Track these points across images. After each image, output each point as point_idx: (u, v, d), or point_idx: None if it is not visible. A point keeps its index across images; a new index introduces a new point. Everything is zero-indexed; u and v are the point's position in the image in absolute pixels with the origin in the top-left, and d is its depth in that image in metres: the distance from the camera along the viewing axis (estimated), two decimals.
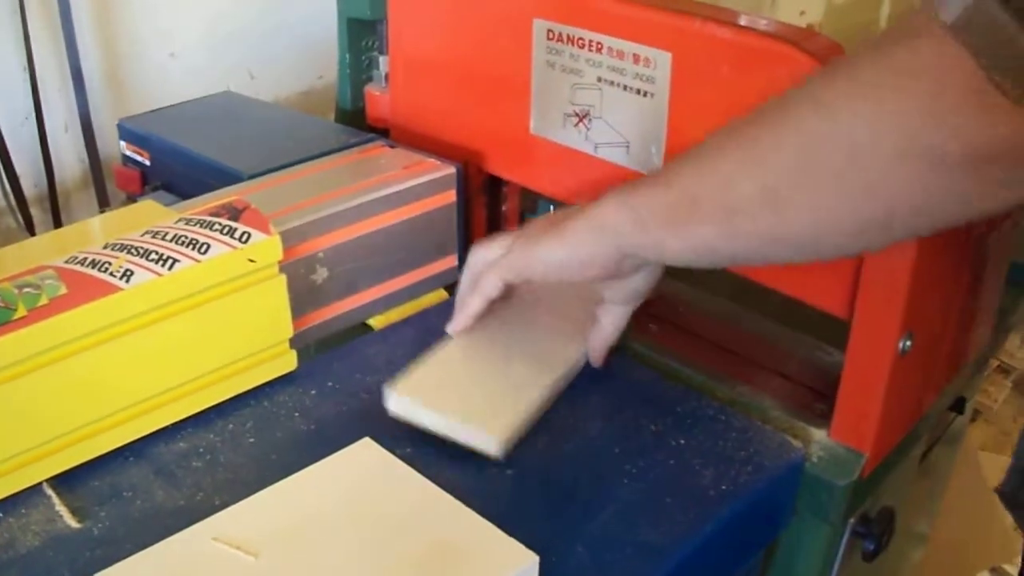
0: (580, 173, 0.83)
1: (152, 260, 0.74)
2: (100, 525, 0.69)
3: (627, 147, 0.77)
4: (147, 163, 1.09)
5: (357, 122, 1.07)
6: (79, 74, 1.36)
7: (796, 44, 0.66)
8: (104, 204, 1.39)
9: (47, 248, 0.83)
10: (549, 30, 0.80)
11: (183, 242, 0.76)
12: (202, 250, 0.75)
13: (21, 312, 0.70)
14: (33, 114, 1.34)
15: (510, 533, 0.62)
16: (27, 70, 1.33)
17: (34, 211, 1.35)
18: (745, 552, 0.76)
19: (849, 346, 0.70)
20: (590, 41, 0.77)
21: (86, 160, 1.38)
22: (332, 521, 0.64)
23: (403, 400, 0.74)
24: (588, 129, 0.80)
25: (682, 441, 0.73)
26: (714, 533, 0.67)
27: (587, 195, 0.81)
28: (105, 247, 0.76)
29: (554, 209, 0.99)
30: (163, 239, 0.76)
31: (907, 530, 0.99)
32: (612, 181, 0.78)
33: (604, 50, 0.76)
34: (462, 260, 0.93)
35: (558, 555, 0.64)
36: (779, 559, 0.79)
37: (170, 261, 0.74)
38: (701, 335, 0.87)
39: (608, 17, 0.76)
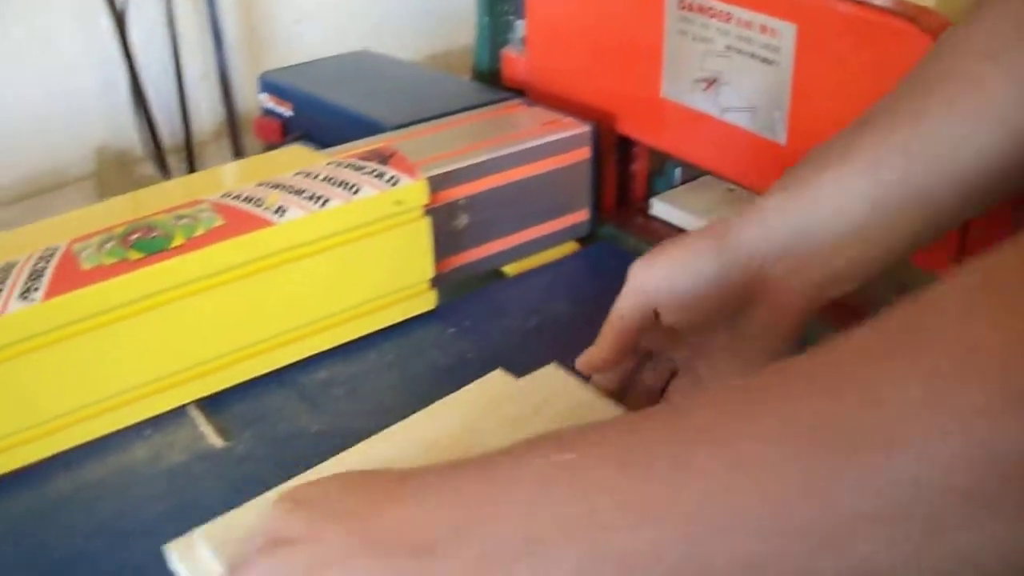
0: (707, 136, 0.95)
1: (305, 198, 0.87)
2: (243, 445, 0.81)
3: (752, 112, 0.90)
4: (289, 114, 1.25)
5: (493, 83, 1.20)
6: (217, 29, 1.53)
7: (911, 20, 0.78)
8: (239, 155, 1.56)
9: (196, 186, 0.99)
10: (681, 0, 0.93)
11: (334, 182, 0.89)
12: (353, 190, 0.88)
13: (179, 240, 0.82)
14: (172, 67, 1.51)
15: None
16: (168, 25, 1.49)
17: (171, 160, 1.51)
18: None
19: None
20: (720, 11, 0.88)
21: (222, 113, 1.54)
22: (484, 439, 0.71)
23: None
24: (716, 94, 0.93)
25: None
26: None
27: (712, 157, 0.95)
28: (259, 185, 0.91)
29: (680, 172, 1.12)
30: (314, 179, 0.90)
31: None
32: (738, 143, 0.91)
33: (733, 20, 0.87)
34: (593, 215, 1.06)
35: None
36: None
37: (322, 199, 0.87)
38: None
39: None
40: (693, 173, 1.10)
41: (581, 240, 1.08)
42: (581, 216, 1.07)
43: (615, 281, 0.98)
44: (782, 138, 0.87)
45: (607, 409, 0.73)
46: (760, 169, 0.91)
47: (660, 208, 1.09)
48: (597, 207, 1.09)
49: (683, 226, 1.06)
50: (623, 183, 1.12)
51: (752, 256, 0.65)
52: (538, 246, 1.04)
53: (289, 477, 0.73)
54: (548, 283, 0.97)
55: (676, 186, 1.12)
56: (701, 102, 0.94)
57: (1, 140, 1.39)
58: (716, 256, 0.66)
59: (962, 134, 0.59)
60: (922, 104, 0.61)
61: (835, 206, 0.63)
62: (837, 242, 0.63)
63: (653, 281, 0.70)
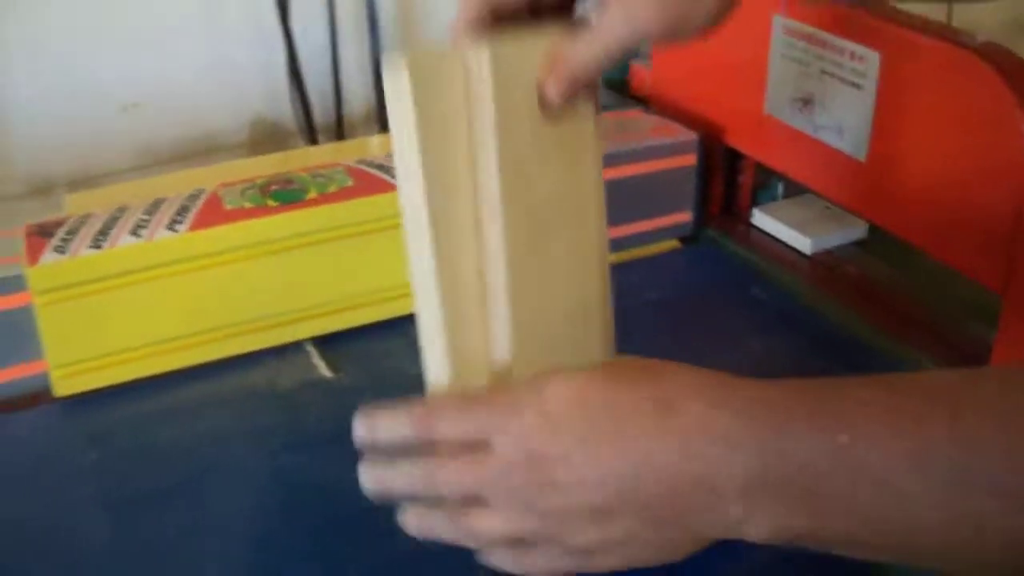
0: (801, 151, 1.09)
1: None
2: (349, 378, 0.98)
3: (840, 131, 1.04)
4: None
5: (622, 92, 1.38)
6: (374, 19, 1.71)
7: (987, 57, 0.91)
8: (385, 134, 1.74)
9: (338, 153, 1.16)
10: (785, 26, 1.07)
11: None
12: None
13: (312, 194, 1.00)
14: (329, 50, 1.70)
15: None
16: (328, 11, 1.68)
17: (321, 138, 1.70)
18: None
19: (1001, 319, 0.94)
20: (817, 38, 1.02)
21: (373, 97, 1.72)
22: None
23: None
24: (811, 113, 1.07)
25: None
26: None
27: (804, 170, 1.09)
28: (390, 155, 1.08)
29: (783, 187, 1.27)
30: None
31: None
32: (826, 159, 1.05)
33: (827, 46, 1.01)
34: (696, 217, 1.21)
35: None
36: None
37: None
38: (884, 302, 1.10)
39: (833, 18, 1.01)
40: (796, 189, 1.24)
41: (684, 240, 1.23)
42: (684, 217, 1.22)
43: (709, 278, 1.15)
44: (862, 155, 1.02)
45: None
46: (842, 183, 1.05)
47: (760, 219, 1.24)
48: (702, 211, 1.24)
49: (781, 237, 1.21)
50: (730, 192, 1.27)
51: None
52: (641, 240, 1.18)
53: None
54: (647, 273, 1.11)
55: (778, 200, 1.27)
56: (797, 120, 1.09)
57: (162, 101, 1.59)
58: None
59: None
60: None
61: None
62: None
63: None
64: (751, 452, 0.56)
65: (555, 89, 0.67)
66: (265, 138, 1.66)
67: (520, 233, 0.67)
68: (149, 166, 1.58)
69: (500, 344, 0.69)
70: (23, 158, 1.53)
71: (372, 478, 0.66)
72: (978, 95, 0.90)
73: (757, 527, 0.58)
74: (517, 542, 0.63)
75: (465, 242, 0.67)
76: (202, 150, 1.63)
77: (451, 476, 0.63)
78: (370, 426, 0.67)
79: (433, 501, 0.65)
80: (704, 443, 0.57)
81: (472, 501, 0.63)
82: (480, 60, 0.63)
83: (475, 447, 0.62)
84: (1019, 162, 0.87)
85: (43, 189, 1.52)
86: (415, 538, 0.68)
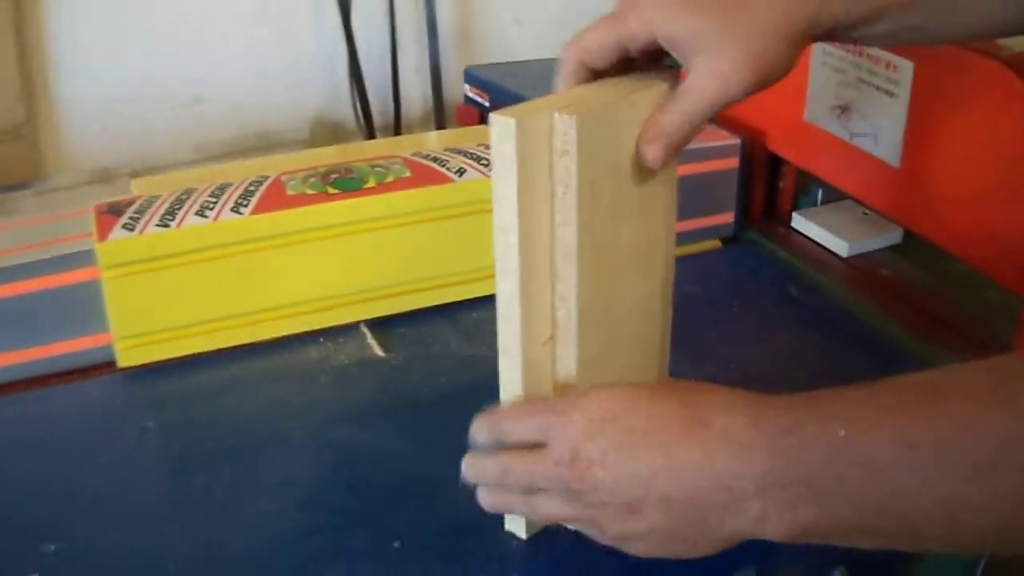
0: (839, 158, 1.13)
1: (483, 164, 1.09)
2: (400, 358, 1.04)
3: (875, 138, 1.08)
4: (487, 104, 1.48)
5: None
6: (433, 26, 1.77)
7: (1014, 68, 0.96)
8: None
9: (395, 146, 1.21)
10: (824, 48, 1.11)
11: None
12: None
13: (370, 184, 1.05)
14: (389, 53, 1.76)
15: None
16: (388, 16, 1.74)
17: (379, 137, 1.76)
18: None
19: (1021, 320, 0.99)
20: (856, 48, 1.07)
21: (430, 99, 1.78)
22: None
23: None
24: (848, 120, 1.11)
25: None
26: None
27: (840, 175, 1.14)
28: (446, 149, 1.14)
29: (822, 193, 1.31)
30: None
31: None
32: (861, 165, 1.10)
33: (864, 55, 1.05)
34: (738, 219, 1.26)
35: None
36: None
37: None
38: (915, 304, 1.14)
39: None
40: (834, 195, 1.29)
41: (725, 240, 1.28)
42: (726, 218, 1.26)
43: (748, 276, 1.19)
44: (896, 162, 1.06)
45: None
46: (875, 188, 1.10)
47: (800, 222, 1.28)
48: (744, 213, 1.28)
49: (819, 240, 1.25)
50: (771, 196, 1.31)
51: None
52: (684, 238, 1.22)
53: (435, 386, 0.98)
54: (689, 270, 1.13)
55: (818, 205, 1.31)
56: (835, 127, 1.13)
57: (224, 99, 1.66)
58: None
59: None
60: None
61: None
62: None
63: (678, 35, 0.73)
64: (763, 455, 0.63)
65: (653, 155, 0.73)
66: (325, 137, 1.72)
67: (590, 278, 0.74)
68: (208, 160, 1.64)
69: (566, 368, 0.76)
70: (87, 149, 1.60)
71: (468, 469, 0.75)
72: (1008, 106, 0.94)
73: (774, 524, 0.64)
74: (572, 521, 0.74)
75: (543, 279, 0.73)
76: (262, 147, 1.69)
77: (518, 470, 0.72)
78: (477, 427, 0.75)
79: (508, 487, 0.74)
80: (723, 448, 0.64)
81: (532, 490, 0.72)
82: (567, 123, 0.68)
83: (537, 445, 0.71)
84: None
85: (105, 178, 1.58)
86: (459, 507, 0.78)
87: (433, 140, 1.32)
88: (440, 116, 1.77)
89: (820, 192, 1.30)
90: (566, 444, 0.69)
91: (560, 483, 0.70)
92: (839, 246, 1.23)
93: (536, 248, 0.72)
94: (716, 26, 0.71)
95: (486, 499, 0.76)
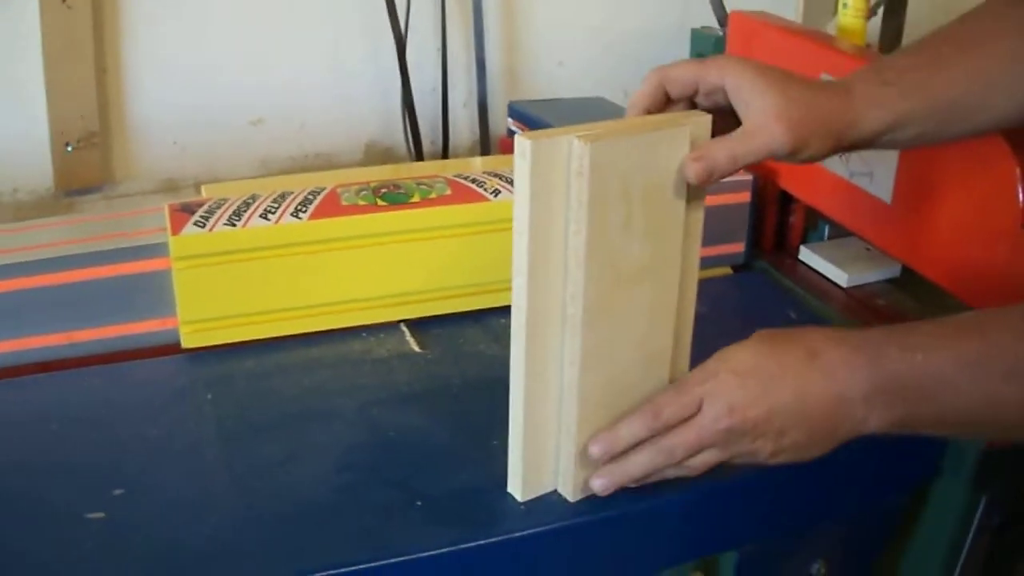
0: (841, 195, 1.24)
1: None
2: (434, 354, 1.15)
3: (871, 176, 1.19)
4: None
5: None
6: (482, 63, 1.87)
7: None
8: None
9: (439, 168, 1.33)
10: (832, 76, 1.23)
11: None
12: None
13: (416, 198, 1.17)
14: (440, 87, 1.87)
15: None
16: (440, 52, 1.85)
17: None
18: (894, 484, 1.09)
19: None
20: None
21: (477, 132, 1.88)
22: None
23: None
24: (848, 160, 1.21)
25: None
26: (862, 448, 0.96)
27: (839, 210, 1.25)
28: (485, 172, 1.25)
29: (829, 229, 1.43)
30: None
31: None
32: (858, 202, 1.21)
33: None
34: (748, 249, 1.37)
35: None
36: (923, 519, 1.14)
37: None
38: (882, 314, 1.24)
39: None
40: (840, 231, 1.40)
41: (735, 268, 1.39)
42: (737, 248, 1.37)
43: (752, 300, 1.30)
44: (888, 198, 1.17)
45: None
46: (871, 223, 1.21)
47: (807, 255, 1.39)
48: (755, 244, 1.39)
49: (821, 271, 1.36)
50: (782, 230, 1.42)
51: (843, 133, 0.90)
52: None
53: (464, 379, 1.10)
54: (700, 292, 1.25)
55: (824, 240, 1.42)
56: (837, 166, 1.23)
57: (286, 120, 1.78)
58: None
59: (993, 101, 0.92)
60: (974, 64, 0.91)
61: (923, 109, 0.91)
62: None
63: (748, 92, 0.88)
64: (866, 373, 0.84)
65: (694, 174, 0.86)
66: (378, 161, 1.84)
67: (597, 282, 0.86)
68: (267, 176, 1.76)
69: (571, 356, 0.88)
70: (156, 160, 1.71)
71: (608, 481, 0.90)
72: (984, 154, 1.04)
73: (875, 422, 0.85)
74: (726, 461, 0.90)
75: (556, 278, 0.86)
76: (318, 167, 1.81)
77: (682, 443, 0.87)
78: (611, 439, 0.89)
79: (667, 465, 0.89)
80: (839, 371, 0.85)
81: (695, 451, 0.87)
82: (583, 150, 0.80)
83: (691, 416, 0.87)
84: (1012, 207, 1.02)
85: (170, 188, 1.70)
86: (472, 474, 0.95)
87: (478, 165, 1.44)
88: (485, 147, 1.88)
89: (827, 228, 1.41)
90: (720, 401, 0.86)
91: (723, 435, 0.86)
92: (839, 277, 1.34)
93: (551, 252, 0.84)
94: (777, 95, 0.86)
95: (640, 467, 0.90)
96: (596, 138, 0.80)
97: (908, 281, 1.34)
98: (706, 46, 1.59)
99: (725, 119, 0.89)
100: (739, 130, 0.87)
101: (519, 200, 0.81)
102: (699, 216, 0.92)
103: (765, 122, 0.86)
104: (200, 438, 1.01)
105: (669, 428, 0.87)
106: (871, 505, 1.10)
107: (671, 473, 0.89)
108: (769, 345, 0.89)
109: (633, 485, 0.90)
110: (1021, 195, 1.01)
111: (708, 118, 0.88)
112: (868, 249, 1.37)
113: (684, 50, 1.76)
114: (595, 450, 0.89)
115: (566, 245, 0.84)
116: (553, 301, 0.86)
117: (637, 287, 0.88)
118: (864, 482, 1.07)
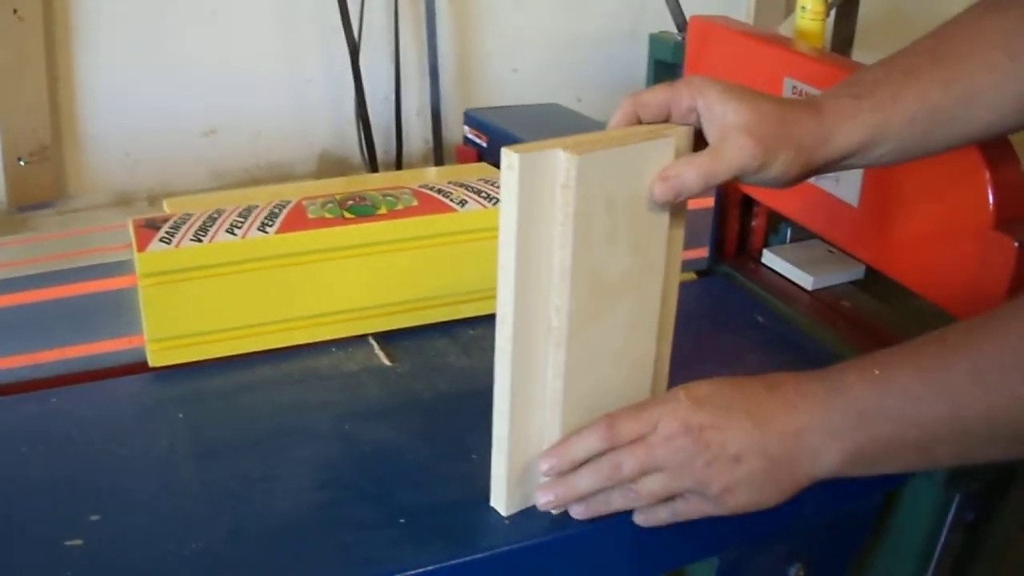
0: (805, 198, 1.24)
1: (482, 197, 1.19)
2: (404, 367, 1.14)
3: (836, 180, 1.19)
4: (484, 145, 1.59)
5: None
6: (435, 71, 1.87)
7: None
8: None
9: (398, 179, 1.32)
10: (794, 87, 1.21)
11: None
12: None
13: (382, 210, 1.16)
14: (393, 95, 1.87)
15: None
16: (393, 59, 1.85)
17: (382, 172, 1.86)
18: (867, 485, 1.03)
19: None
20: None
21: (430, 140, 1.88)
22: None
23: None
24: None
25: None
26: None
27: (804, 214, 1.25)
28: (449, 183, 1.24)
29: (791, 232, 1.43)
30: (492, 185, 1.23)
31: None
32: (823, 205, 1.21)
33: None
34: (712, 254, 1.37)
35: None
36: (896, 518, 1.14)
37: (494, 200, 1.19)
38: (871, 331, 1.24)
39: (830, 77, 1.12)
40: (802, 235, 1.40)
41: (700, 272, 1.39)
42: (700, 253, 1.37)
43: (719, 305, 1.30)
44: (855, 202, 1.17)
45: None
46: (836, 226, 1.21)
47: (769, 258, 1.39)
48: (718, 249, 1.40)
49: (786, 275, 1.36)
50: (744, 234, 1.42)
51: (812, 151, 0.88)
52: None
53: (435, 392, 1.09)
54: None
55: (786, 243, 1.43)
56: None
57: (239, 131, 1.77)
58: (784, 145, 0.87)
59: (973, 112, 0.90)
60: (950, 74, 0.89)
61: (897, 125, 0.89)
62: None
63: (718, 108, 0.86)
64: (823, 400, 0.85)
65: (661, 193, 0.85)
66: (331, 170, 1.83)
67: (582, 294, 0.85)
68: (221, 188, 1.74)
69: (555, 368, 0.87)
70: (108, 173, 1.70)
71: (553, 496, 0.89)
72: (953, 156, 1.03)
73: (836, 456, 0.85)
74: (672, 497, 0.88)
75: (541, 291, 0.85)
76: (272, 178, 1.80)
77: (631, 458, 0.86)
78: (561, 452, 0.88)
79: (614, 484, 0.88)
80: (798, 401, 0.86)
81: (644, 473, 0.86)
82: (570, 162, 0.80)
83: (644, 435, 0.86)
84: (983, 210, 1.02)
85: (123, 201, 1.68)
86: (452, 489, 0.93)
87: (433, 175, 1.44)
88: (439, 155, 1.88)
89: (789, 231, 1.42)
90: (676, 420, 0.85)
91: (673, 453, 0.85)
92: (804, 279, 1.34)
93: (536, 264, 0.83)
94: (747, 110, 0.85)
95: (583, 511, 0.90)
96: (582, 150, 0.80)
97: (872, 282, 1.35)
98: (664, 51, 1.59)
99: (698, 143, 0.89)
100: (708, 148, 0.87)
101: (506, 213, 0.81)
102: (680, 227, 0.92)
103: (734, 136, 0.85)
104: (174, 458, 0.99)
105: (621, 446, 0.87)
106: (849, 506, 1.10)
107: (617, 501, 0.88)
108: (730, 380, 0.90)
109: (579, 510, 0.89)
110: (991, 197, 1.02)
111: (689, 129, 0.88)
112: (831, 251, 1.38)
113: (640, 55, 1.76)
114: (544, 465, 0.88)
115: (551, 257, 0.84)
116: (537, 313, 0.85)
117: (621, 299, 0.88)
118: (843, 484, 1.07)
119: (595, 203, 0.82)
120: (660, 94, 0.89)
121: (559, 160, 0.81)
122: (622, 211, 0.85)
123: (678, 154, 0.86)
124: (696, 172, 0.85)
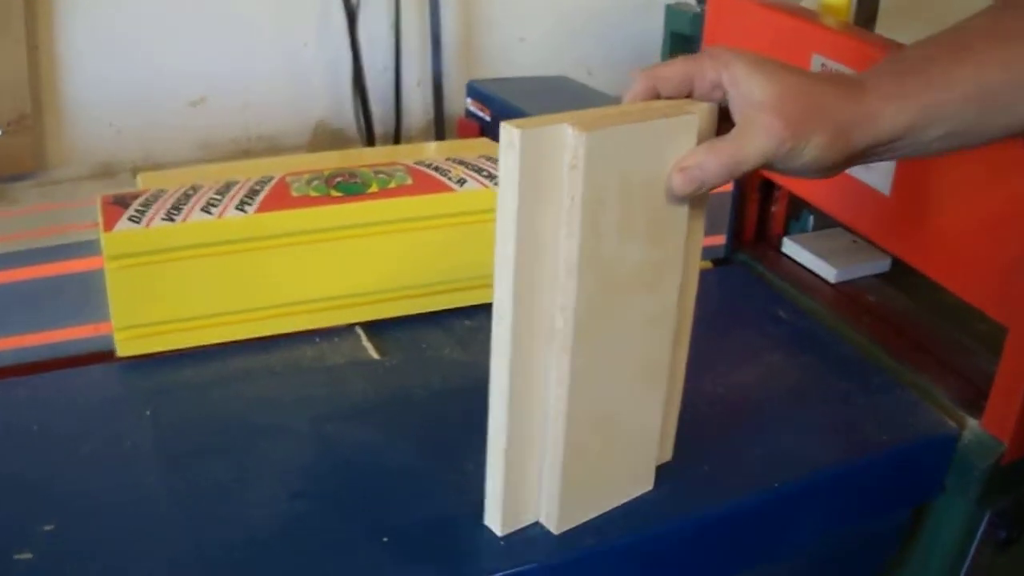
0: (832, 184, 1.14)
1: (483, 175, 1.10)
2: (394, 360, 1.05)
3: (868, 166, 1.09)
4: (487, 119, 1.50)
5: None
6: (437, 40, 1.78)
7: None
8: None
9: (394, 154, 1.23)
10: (823, 64, 1.11)
11: None
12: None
13: (373, 189, 1.07)
14: (393, 66, 1.78)
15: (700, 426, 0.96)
16: (393, 28, 1.76)
17: (379, 146, 1.78)
18: (895, 500, 1.03)
19: (1004, 350, 1.00)
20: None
21: (431, 112, 1.79)
22: None
23: None
24: None
25: (863, 401, 1.02)
26: (869, 465, 0.95)
27: (832, 202, 1.15)
28: (448, 160, 1.15)
29: (813, 220, 1.33)
30: (494, 163, 1.14)
31: None
32: (853, 192, 1.12)
33: None
34: (729, 241, 1.28)
35: (738, 449, 0.94)
36: (924, 534, 1.06)
37: (496, 179, 1.09)
38: (900, 331, 1.16)
39: (861, 55, 1.06)
40: (825, 223, 1.31)
41: (716, 261, 1.30)
42: (718, 240, 1.28)
43: (738, 297, 1.21)
44: (887, 191, 1.08)
45: None
46: (867, 216, 1.12)
47: (790, 247, 1.30)
48: (736, 236, 1.30)
49: (808, 266, 1.27)
50: (763, 221, 1.33)
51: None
52: None
53: (428, 389, 1.00)
54: None
55: (808, 231, 1.33)
56: None
57: (229, 100, 1.68)
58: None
59: None
60: (1009, 54, 0.78)
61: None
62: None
63: (744, 84, 0.76)
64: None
65: (680, 185, 0.75)
66: (326, 143, 1.74)
67: (591, 291, 0.75)
68: (209, 160, 1.66)
69: (558, 375, 0.78)
70: (91, 143, 1.61)
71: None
72: (1000, 145, 0.95)
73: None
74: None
75: (544, 288, 0.75)
76: (264, 149, 1.71)
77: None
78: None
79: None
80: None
81: None
82: (578, 140, 0.70)
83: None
84: None
85: (107, 173, 1.60)
86: (445, 502, 0.82)
87: (432, 150, 1.34)
88: (440, 128, 1.79)
89: (811, 219, 1.32)
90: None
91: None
92: (827, 272, 1.25)
93: (539, 257, 0.73)
94: (776, 85, 0.74)
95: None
96: (592, 127, 0.70)
97: (899, 276, 1.26)
98: (682, 23, 1.49)
99: (724, 125, 0.78)
100: (732, 131, 0.76)
101: (505, 198, 0.71)
102: (701, 216, 0.83)
103: (759, 117, 0.74)
104: (139, 459, 0.90)
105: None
106: (874, 524, 1.02)
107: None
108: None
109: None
110: None
111: (713, 107, 0.78)
112: (855, 241, 1.29)
113: (653, 26, 1.67)
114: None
115: (556, 249, 0.74)
116: (540, 313, 0.76)
117: (634, 297, 0.79)
118: (869, 502, 1.00)
119: (607, 187, 0.73)
120: (681, 67, 0.78)
121: (566, 137, 0.70)
122: (637, 197, 0.75)
123: (700, 135, 0.76)
124: (718, 161, 0.74)
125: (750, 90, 0.74)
